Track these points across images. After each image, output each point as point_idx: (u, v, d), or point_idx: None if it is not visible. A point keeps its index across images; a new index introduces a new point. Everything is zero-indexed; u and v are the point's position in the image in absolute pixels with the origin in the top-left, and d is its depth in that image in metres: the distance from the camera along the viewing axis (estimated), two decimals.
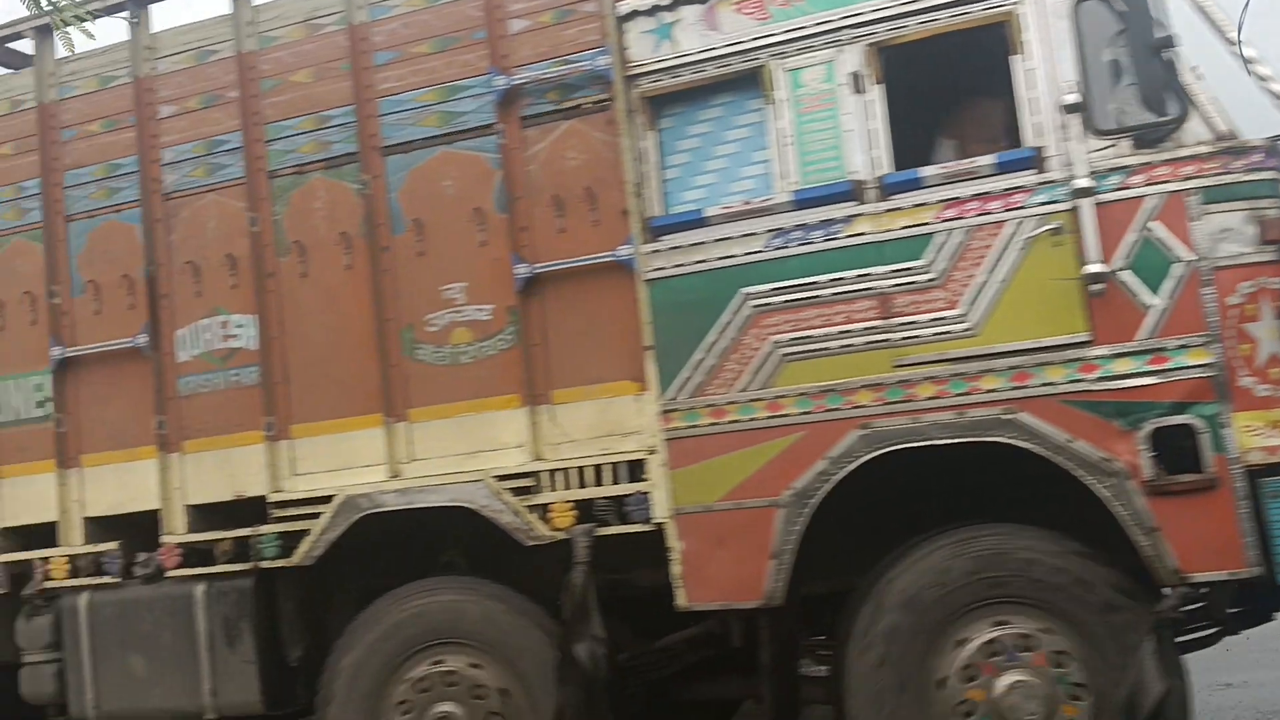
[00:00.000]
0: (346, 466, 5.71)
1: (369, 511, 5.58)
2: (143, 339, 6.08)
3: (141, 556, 6.00)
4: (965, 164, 4.81)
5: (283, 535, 5.73)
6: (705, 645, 5.91)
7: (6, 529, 6.39)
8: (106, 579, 6.06)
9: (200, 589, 5.87)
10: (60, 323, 6.30)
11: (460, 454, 5.54)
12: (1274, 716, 6.88)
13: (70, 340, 6.27)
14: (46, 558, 6.19)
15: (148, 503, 6.07)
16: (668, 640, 5.73)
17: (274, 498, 5.78)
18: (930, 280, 4.78)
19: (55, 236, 6.35)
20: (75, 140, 6.39)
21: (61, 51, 6.43)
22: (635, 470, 5.25)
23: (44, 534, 6.31)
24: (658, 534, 5.18)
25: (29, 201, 6.48)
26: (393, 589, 5.96)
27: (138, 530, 6.12)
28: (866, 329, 4.85)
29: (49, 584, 6.17)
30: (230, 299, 6.00)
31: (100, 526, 6.21)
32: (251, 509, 5.92)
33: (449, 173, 5.66)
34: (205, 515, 6.01)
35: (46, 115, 6.42)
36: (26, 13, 6.43)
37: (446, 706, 5.36)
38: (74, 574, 6.13)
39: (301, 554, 5.67)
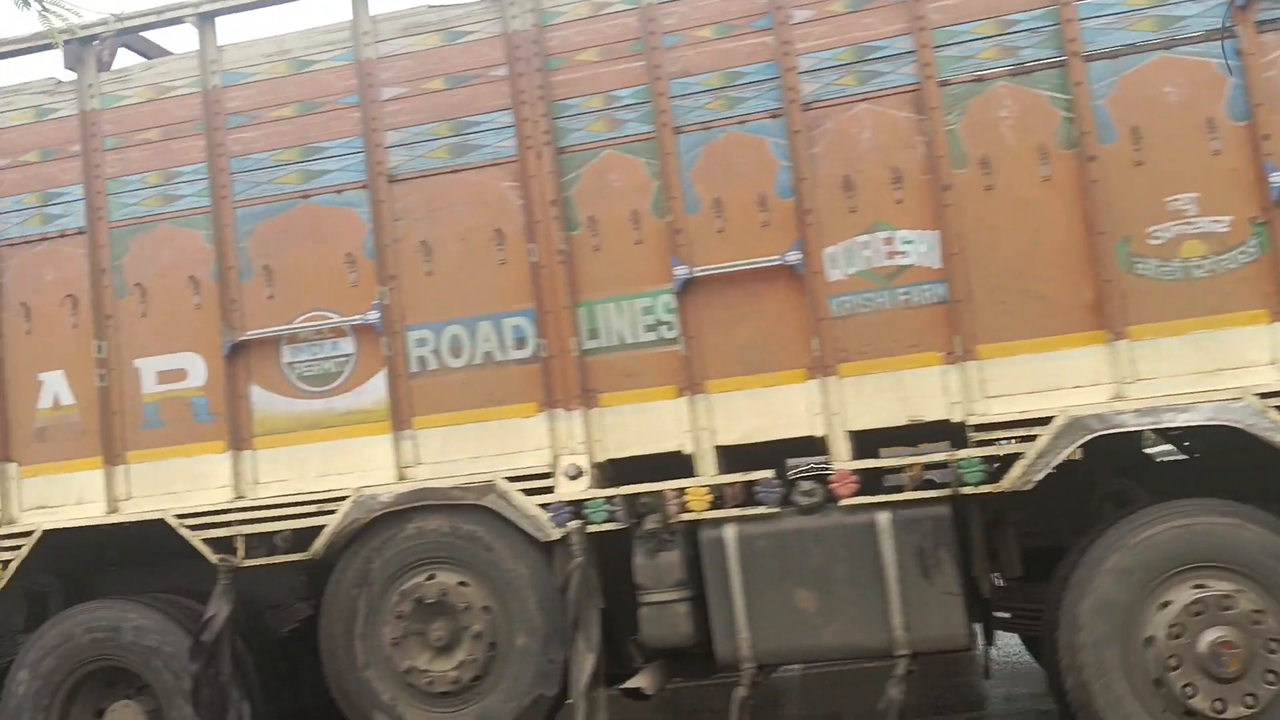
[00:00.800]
0: (1051, 387, 5.44)
1: (1100, 433, 5.32)
2: (794, 257, 5.72)
3: (805, 485, 5.66)
4: None
5: (985, 460, 5.44)
6: None
7: (609, 461, 6.00)
8: (758, 510, 5.71)
9: (884, 517, 5.55)
10: (676, 241, 5.92)
11: (1194, 373, 5.30)
12: None
13: (689, 259, 5.89)
14: (682, 489, 5.82)
15: (792, 429, 5.73)
16: None
17: (973, 420, 5.48)
18: None
19: (664, 150, 5.95)
20: (681, 47, 6.00)
21: None
22: None
23: (641, 465, 5.94)
24: None
25: (622, 113, 6.08)
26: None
27: (751, 460, 5.81)
28: None
29: (685, 516, 5.80)
30: (895, 214, 5.68)
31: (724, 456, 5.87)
32: (893, 434, 5.64)
33: (1169, 79, 5.40)
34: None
35: (647, 20, 6.02)
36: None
37: (1218, 631, 5.11)
38: (716, 505, 5.77)
39: (1014, 478, 5.38)
